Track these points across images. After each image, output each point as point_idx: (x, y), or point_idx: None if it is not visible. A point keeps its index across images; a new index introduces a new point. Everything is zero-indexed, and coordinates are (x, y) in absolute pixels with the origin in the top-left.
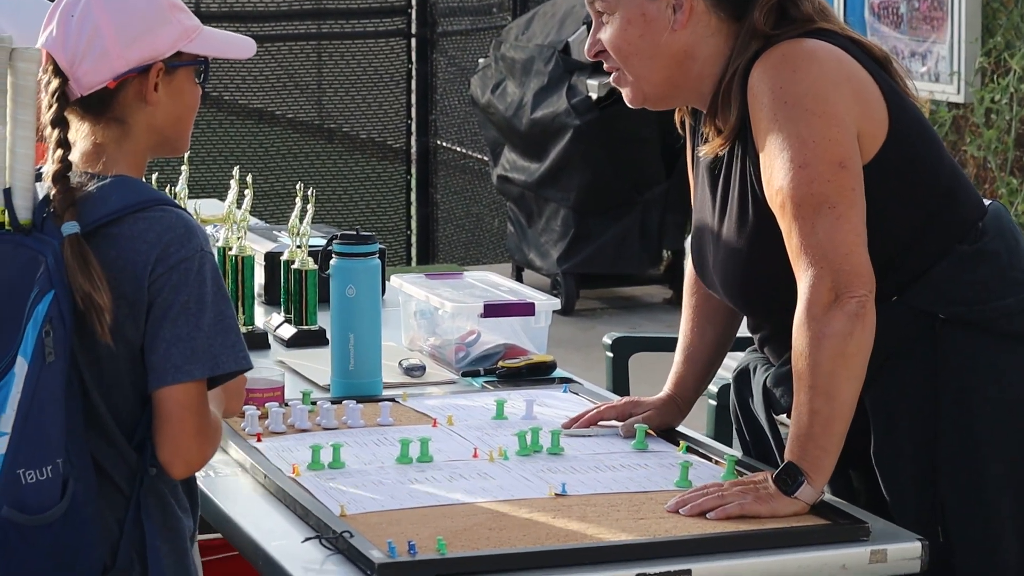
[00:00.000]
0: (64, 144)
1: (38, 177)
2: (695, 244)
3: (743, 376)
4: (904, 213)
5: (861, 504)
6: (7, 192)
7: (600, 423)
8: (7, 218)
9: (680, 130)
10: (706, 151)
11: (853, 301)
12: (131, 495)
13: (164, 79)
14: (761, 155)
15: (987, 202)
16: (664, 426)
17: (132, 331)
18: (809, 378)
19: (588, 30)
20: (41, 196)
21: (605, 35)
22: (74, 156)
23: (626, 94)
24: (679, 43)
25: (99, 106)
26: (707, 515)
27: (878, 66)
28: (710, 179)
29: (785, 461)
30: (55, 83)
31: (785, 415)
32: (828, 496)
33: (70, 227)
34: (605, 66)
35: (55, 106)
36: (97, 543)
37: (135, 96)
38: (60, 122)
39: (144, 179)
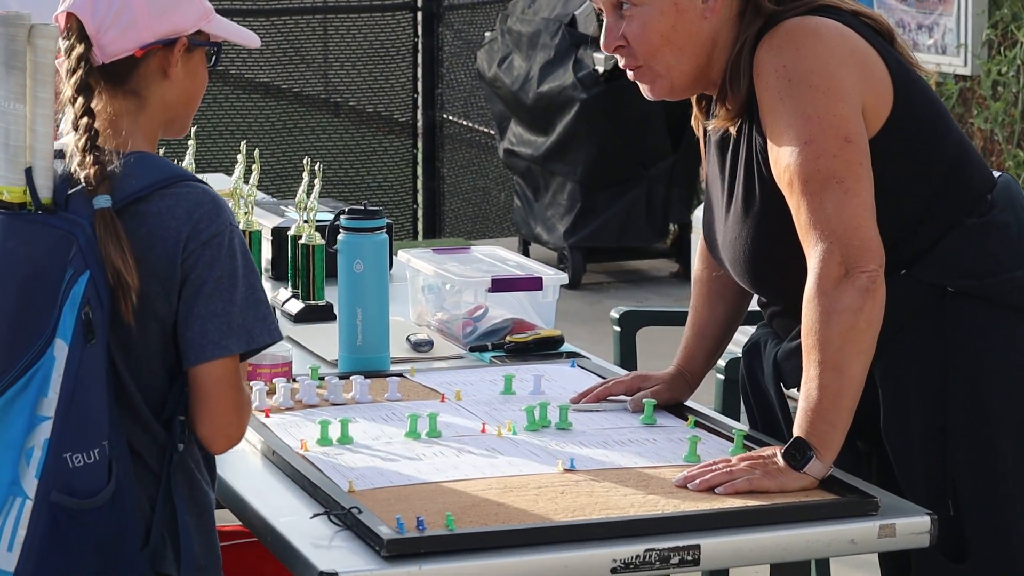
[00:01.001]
0: (90, 113)
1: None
2: (706, 222)
3: (754, 350)
4: (912, 186)
5: (871, 478)
6: (29, 171)
7: (608, 398)
8: (29, 198)
9: (696, 131)
10: (714, 124)
11: (863, 276)
12: (161, 473)
13: (183, 56)
14: (768, 134)
15: (997, 174)
16: (673, 401)
17: (164, 308)
18: (819, 353)
19: (594, 3)
20: (60, 173)
21: (630, 28)
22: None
23: (650, 88)
24: (708, 31)
25: (118, 76)
26: (715, 490)
27: (883, 40)
28: (719, 158)
29: (794, 436)
30: (79, 48)
31: (795, 389)
32: (836, 471)
33: (103, 200)
34: (623, 62)
35: (80, 71)
36: (139, 523)
37: (156, 69)
38: (86, 88)
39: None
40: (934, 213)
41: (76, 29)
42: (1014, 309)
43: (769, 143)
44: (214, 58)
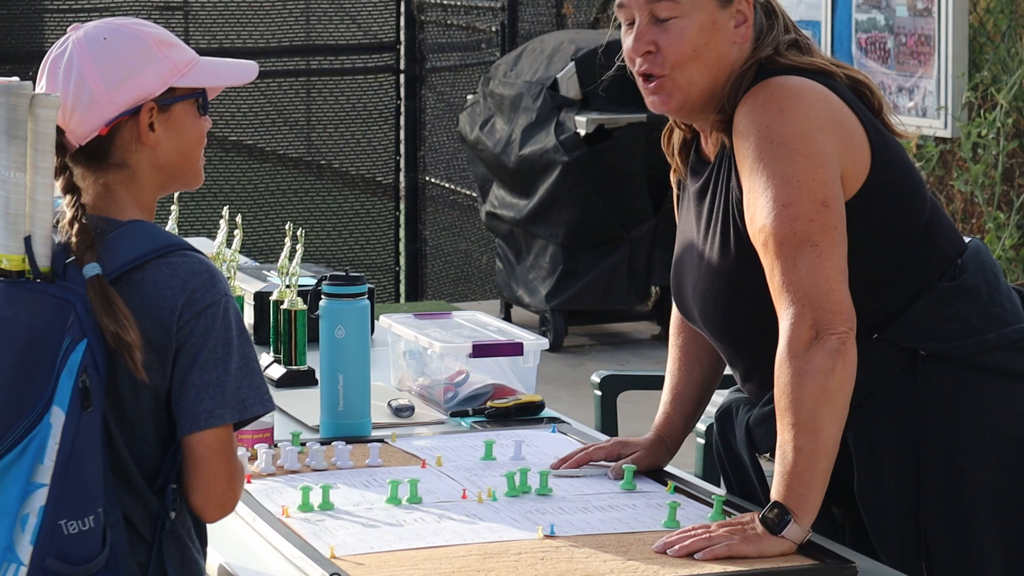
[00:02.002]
0: (73, 189)
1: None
2: (675, 273)
3: (726, 416)
4: (883, 251)
5: (845, 542)
6: (28, 240)
7: (589, 463)
8: (28, 266)
9: (675, 173)
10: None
11: (834, 338)
12: (153, 541)
13: (159, 117)
14: (745, 192)
15: (967, 239)
16: (653, 466)
17: (159, 376)
18: (792, 416)
19: (576, 66)
20: (59, 243)
21: (666, 36)
22: (85, 201)
23: (664, 101)
24: (732, 56)
25: (99, 154)
26: (695, 556)
27: (864, 105)
28: (696, 208)
29: (771, 500)
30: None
31: (768, 455)
32: (815, 535)
33: (92, 268)
34: (644, 67)
35: (56, 156)
36: None
37: (131, 138)
38: (62, 170)
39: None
40: (906, 277)
41: None
42: (986, 371)
43: (746, 200)
44: (203, 107)
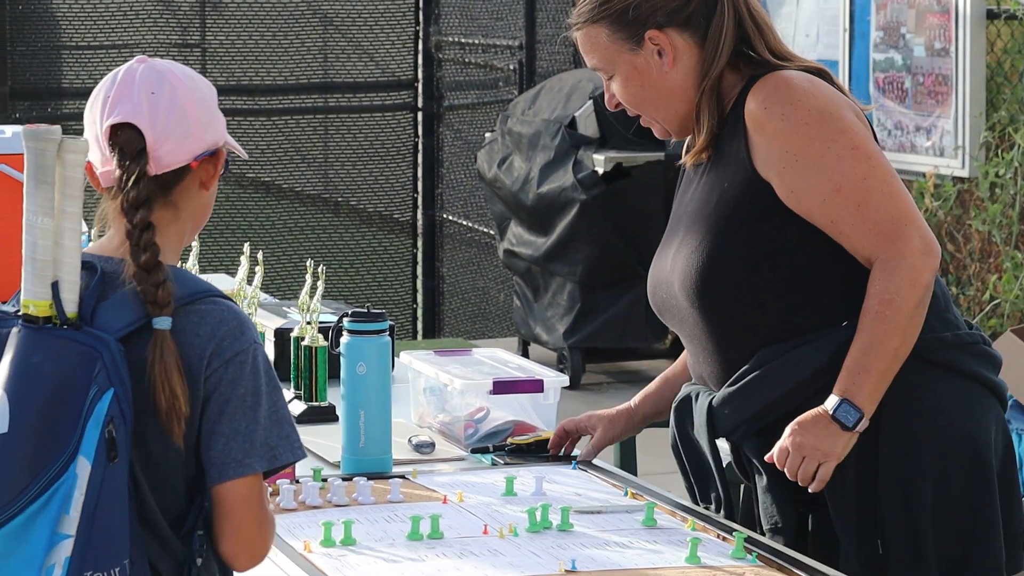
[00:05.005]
0: (151, 227)
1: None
2: (659, 251)
3: (684, 404)
4: None
5: (809, 536)
6: (55, 286)
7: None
8: (54, 312)
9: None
10: (688, 160)
11: (936, 260)
12: None
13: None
14: (792, 159)
15: None
16: (608, 442)
17: (187, 425)
18: (891, 316)
19: (594, 105)
20: (87, 286)
21: (616, 91)
22: (114, 241)
23: (654, 131)
24: (675, 81)
25: (165, 188)
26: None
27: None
28: (695, 180)
29: (844, 397)
30: (138, 160)
31: (727, 437)
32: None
33: (164, 322)
34: (629, 112)
35: (140, 184)
36: None
37: (196, 180)
38: (146, 203)
39: None
40: None
41: (132, 139)
42: (939, 366)
43: (790, 166)
44: (226, 165)
